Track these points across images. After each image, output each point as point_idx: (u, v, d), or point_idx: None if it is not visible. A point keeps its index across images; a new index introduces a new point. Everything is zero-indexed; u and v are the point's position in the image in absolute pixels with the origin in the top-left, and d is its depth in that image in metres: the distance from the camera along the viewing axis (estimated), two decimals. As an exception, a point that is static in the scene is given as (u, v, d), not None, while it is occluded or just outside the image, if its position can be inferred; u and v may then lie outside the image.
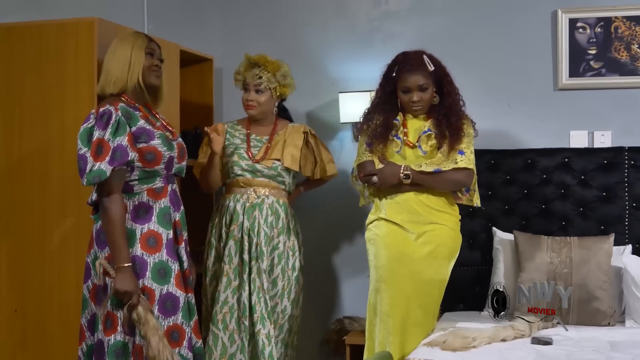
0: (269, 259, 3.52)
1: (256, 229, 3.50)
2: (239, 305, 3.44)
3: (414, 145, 3.32)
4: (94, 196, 2.80)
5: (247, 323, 3.43)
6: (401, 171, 3.26)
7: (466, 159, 3.26)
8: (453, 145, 3.26)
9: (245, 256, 3.47)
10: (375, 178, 3.27)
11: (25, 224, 3.08)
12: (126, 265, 2.70)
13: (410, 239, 3.29)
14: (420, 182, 3.27)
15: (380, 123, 3.37)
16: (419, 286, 3.27)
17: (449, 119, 3.30)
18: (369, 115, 3.45)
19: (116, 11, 3.54)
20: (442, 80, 3.35)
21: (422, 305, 3.28)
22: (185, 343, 2.82)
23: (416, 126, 3.36)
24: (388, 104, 3.40)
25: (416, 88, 3.31)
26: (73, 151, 2.87)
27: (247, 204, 3.53)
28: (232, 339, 3.42)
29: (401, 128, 3.36)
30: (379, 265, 3.32)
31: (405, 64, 3.33)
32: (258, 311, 3.42)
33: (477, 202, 3.48)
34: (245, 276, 3.45)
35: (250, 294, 3.44)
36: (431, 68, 3.30)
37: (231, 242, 3.49)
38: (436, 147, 3.29)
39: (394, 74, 3.34)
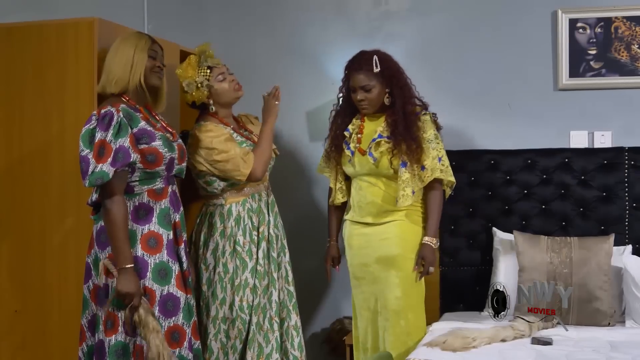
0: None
1: (279, 224, 3.46)
2: (270, 305, 3.36)
3: (365, 152, 3.39)
4: (94, 196, 2.80)
5: (278, 320, 3.38)
6: (434, 245, 3.38)
7: (429, 171, 3.32)
8: (414, 157, 3.31)
9: (274, 253, 3.40)
10: (431, 269, 3.37)
11: (25, 224, 3.08)
12: (128, 266, 2.70)
13: (373, 236, 3.41)
14: (438, 224, 3.41)
15: (338, 132, 3.49)
16: (384, 283, 3.38)
17: (403, 125, 3.33)
18: (333, 119, 3.56)
19: (116, 11, 3.53)
20: (391, 82, 3.37)
21: (394, 300, 3.35)
22: (185, 344, 2.82)
23: (369, 130, 3.43)
24: (348, 105, 3.50)
25: (359, 88, 3.37)
26: (73, 151, 2.87)
27: (269, 201, 3.46)
28: (267, 339, 3.34)
29: (354, 135, 3.44)
30: (349, 263, 3.52)
31: (353, 62, 3.43)
32: (285, 304, 3.41)
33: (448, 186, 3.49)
34: (275, 274, 3.39)
35: (279, 290, 3.40)
36: (377, 69, 3.34)
37: (264, 244, 3.37)
38: (388, 152, 3.34)
39: (346, 72, 3.44)
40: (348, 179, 3.56)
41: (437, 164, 3.34)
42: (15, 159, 3.09)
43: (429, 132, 3.37)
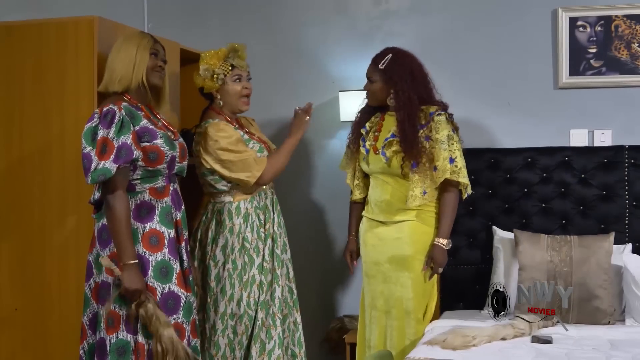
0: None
1: (281, 222, 3.47)
2: (273, 301, 3.37)
3: (378, 150, 3.41)
4: (96, 195, 2.80)
5: (281, 317, 3.39)
6: (444, 247, 3.38)
7: (440, 172, 3.32)
8: (418, 160, 3.32)
9: (277, 251, 3.41)
10: (440, 270, 3.41)
11: (25, 224, 3.08)
12: (132, 262, 2.70)
13: (386, 235, 3.42)
14: (451, 225, 3.41)
15: (359, 124, 3.55)
16: (395, 283, 3.40)
17: (401, 131, 3.34)
18: (357, 114, 3.61)
19: (116, 10, 3.54)
20: (392, 84, 3.38)
21: (406, 301, 3.39)
22: (185, 341, 2.82)
23: (386, 128, 3.45)
24: None
25: (367, 77, 3.45)
26: (73, 151, 2.87)
27: (274, 199, 3.47)
28: (269, 335, 3.34)
29: (371, 133, 3.48)
30: (364, 260, 3.53)
31: (377, 53, 3.49)
32: (286, 301, 3.42)
33: (466, 189, 3.44)
34: (279, 271, 3.40)
35: (282, 288, 3.41)
36: (381, 66, 3.38)
37: (269, 241, 3.38)
38: (399, 152, 3.35)
39: None
40: (367, 176, 3.59)
41: (447, 165, 3.31)
42: (15, 159, 3.09)
43: (442, 133, 3.33)
